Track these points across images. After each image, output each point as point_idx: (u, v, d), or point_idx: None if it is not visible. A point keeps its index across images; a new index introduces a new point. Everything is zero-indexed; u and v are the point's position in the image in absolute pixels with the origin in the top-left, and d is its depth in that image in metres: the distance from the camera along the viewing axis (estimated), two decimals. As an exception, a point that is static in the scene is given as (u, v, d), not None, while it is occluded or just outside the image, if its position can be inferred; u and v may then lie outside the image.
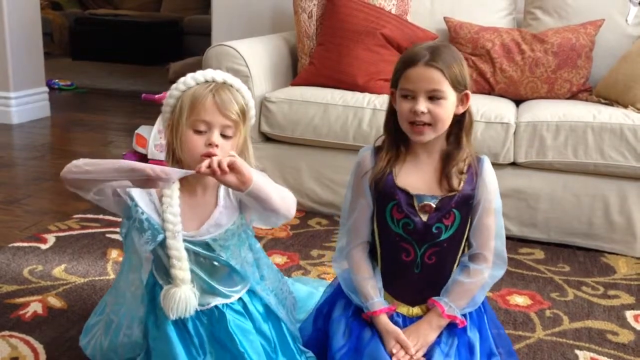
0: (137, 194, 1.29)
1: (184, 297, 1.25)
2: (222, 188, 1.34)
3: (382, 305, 1.37)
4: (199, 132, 1.27)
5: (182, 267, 1.26)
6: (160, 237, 1.27)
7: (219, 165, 1.18)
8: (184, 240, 1.28)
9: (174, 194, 1.27)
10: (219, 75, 1.31)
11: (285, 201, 1.29)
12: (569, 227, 2.28)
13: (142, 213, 1.29)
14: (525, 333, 1.72)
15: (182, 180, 1.29)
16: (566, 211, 2.27)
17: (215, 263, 1.32)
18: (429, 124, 1.31)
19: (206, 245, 1.31)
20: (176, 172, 1.24)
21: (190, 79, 1.30)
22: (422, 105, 1.30)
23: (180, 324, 1.31)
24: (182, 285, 1.26)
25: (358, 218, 1.41)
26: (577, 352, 1.63)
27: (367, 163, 1.40)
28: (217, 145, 1.26)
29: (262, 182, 1.24)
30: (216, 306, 1.34)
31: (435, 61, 1.29)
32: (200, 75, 1.30)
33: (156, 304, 1.32)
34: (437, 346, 1.34)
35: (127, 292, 1.35)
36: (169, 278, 1.29)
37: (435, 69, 1.29)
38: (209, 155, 1.24)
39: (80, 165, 1.25)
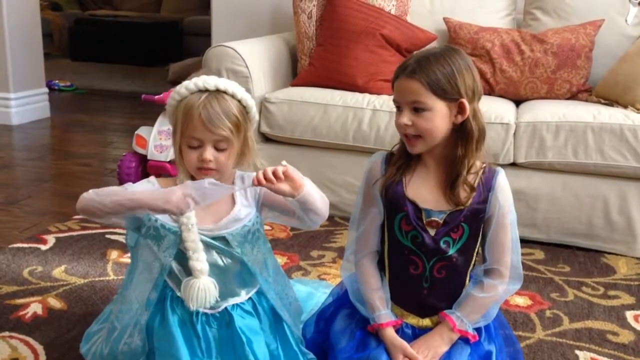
0: None
1: (203, 287, 1.28)
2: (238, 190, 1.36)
3: (389, 318, 1.35)
4: (192, 148, 1.29)
5: (198, 259, 1.28)
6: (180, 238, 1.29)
7: (274, 174, 1.21)
8: (203, 235, 1.30)
9: None
10: (211, 81, 1.28)
11: (325, 203, 1.32)
12: (569, 227, 2.28)
13: (156, 220, 1.30)
14: (526, 333, 1.71)
15: (193, 179, 1.32)
16: (566, 211, 2.27)
17: (229, 260, 1.34)
18: (418, 136, 1.29)
19: (223, 241, 1.33)
20: (220, 190, 1.23)
21: (184, 89, 1.29)
22: (405, 118, 1.28)
23: (190, 326, 1.32)
24: (201, 276, 1.28)
25: (368, 227, 1.39)
26: (578, 352, 1.63)
27: (377, 170, 1.38)
28: (210, 161, 1.27)
29: (310, 187, 1.27)
30: (226, 308, 1.35)
31: (415, 72, 1.25)
32: (193, 84, 1.28)
33: (165, 305, 1.33)
34: (448, 357, 1.32)
35: (134, 300, 1.35)
36: (179, 286, 1.31)
37: (414, 80, 1.26)
38: (204, 170, 1.28)
39: (106, 204, 1.24)
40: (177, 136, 1.30)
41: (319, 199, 1.29)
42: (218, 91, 1.29)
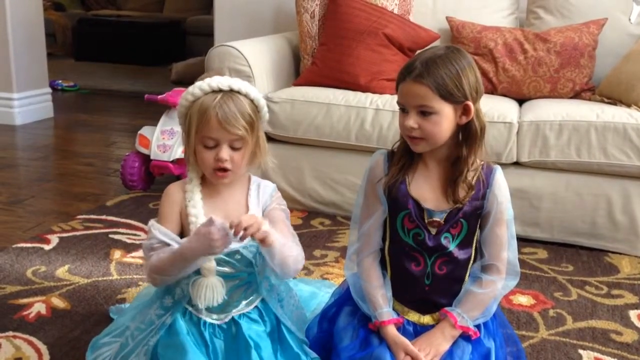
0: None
1: (211, 285, 1.30)
2: (252, 197, 1.38)
3: (391, 315, 1.35)
4: (208, 148, 1.29)
5: (207, 258, 1.29)
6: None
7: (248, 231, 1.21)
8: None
9: (195, 189, 1.34)
10: (225, 82, 1.29)
11: (294, 267, 1.33)
12: (572, 226, 2.28)
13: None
14: (529, 333, 1.71)
15: (204, 181, 1.36)
16: (569, 211, 2.26)
17: (237, 273, 1.35)
18: (423, 138, 1.29)
19: (237, 254, 1.33)
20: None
21: (197, 90, 1.30)
22: (412, 120, 1.28)
23: (197, 335, 1.33)
24: (209, 274, 1.30)
25: (371, 225, 1.39)
26: (581, 351, 1.63)
27: (380, 169, 1.38)
28: (226, 160, 1.29)
29: (280, 247, 1.28)
30: (232, 318, 1.35)
31: (422, 76, 1.25)
32: (206, 84, 1.29)
33: (172, 314, 1.34)
34: (450, 355, 1.32)
35: (154, 317, 1.36)
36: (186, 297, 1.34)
37: (422, 84, 1.25)
38: (221, 170, 1.30)
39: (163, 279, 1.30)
40: (191, 137, 1.30)
41: (289, 263, 1.31)
42: (232, 91, 1.30)
